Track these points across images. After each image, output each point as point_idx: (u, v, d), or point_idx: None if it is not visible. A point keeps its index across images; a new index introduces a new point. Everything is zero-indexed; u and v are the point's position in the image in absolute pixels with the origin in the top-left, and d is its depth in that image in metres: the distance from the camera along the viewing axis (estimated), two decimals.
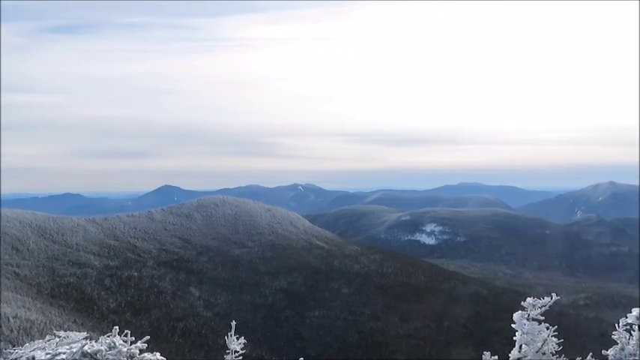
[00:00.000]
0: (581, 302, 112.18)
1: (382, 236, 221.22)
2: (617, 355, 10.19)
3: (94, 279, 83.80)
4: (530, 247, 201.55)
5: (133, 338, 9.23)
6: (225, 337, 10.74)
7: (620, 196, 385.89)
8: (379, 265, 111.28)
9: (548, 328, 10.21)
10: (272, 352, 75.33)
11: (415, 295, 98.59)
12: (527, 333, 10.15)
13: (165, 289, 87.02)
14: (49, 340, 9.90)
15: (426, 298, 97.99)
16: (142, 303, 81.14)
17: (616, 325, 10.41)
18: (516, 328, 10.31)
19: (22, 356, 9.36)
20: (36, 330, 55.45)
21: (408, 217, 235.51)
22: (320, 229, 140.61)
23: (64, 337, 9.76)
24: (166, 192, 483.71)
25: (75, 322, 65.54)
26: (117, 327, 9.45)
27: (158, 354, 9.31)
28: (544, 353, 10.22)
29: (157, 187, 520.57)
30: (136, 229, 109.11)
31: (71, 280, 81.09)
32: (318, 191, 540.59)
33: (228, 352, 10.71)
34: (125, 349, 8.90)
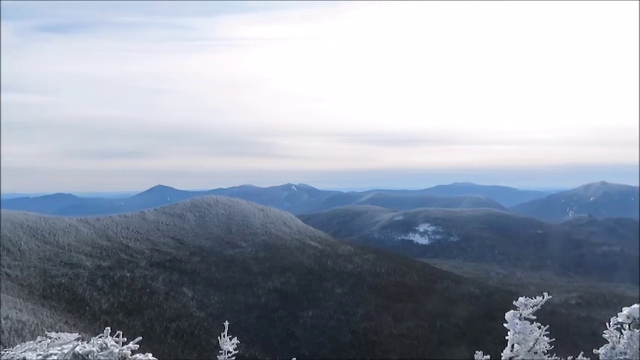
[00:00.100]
0: (573, 301, 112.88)
1: (375, 236, 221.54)
2: (608, 354, 10.25)
3: (86, 280, 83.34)
4: (523, 247, 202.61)
5: (125, 339, 9.19)
6: (218, 338, 10.71)
7: (612, 196, 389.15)
8: (372, 265, 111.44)
9: (540, 328, 10.26)
10: (265, 353, 75.24)
11: (408, 295, 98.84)
12: (519, 332, 10.19)
13: (158, 290, 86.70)
14: (40, 342, 9.83)
15: (420, 297, 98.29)
16: (135, 304, 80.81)
17: (607, 324, 10.47)
18: (508, 328, 10.35)
19: (13, 358, 9.29)
20: (27, 331, 55.10)
21: (401, 217, 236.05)
22: (313, 229, 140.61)
23: (56, 339, 9.70)
24: (159, 192, 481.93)
25: (67, 323, 65.19)
26: (109, 328, 9.40)
27: (150, 355, 9.26)
28: (536, 352, 10.27)
29: (149, 187, 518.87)
30: (128, 229, 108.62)
31: (63, 281, 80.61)
32: (311, 191, 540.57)
33: (221, 353, 10.67)
34: (117, 350, 8.85)
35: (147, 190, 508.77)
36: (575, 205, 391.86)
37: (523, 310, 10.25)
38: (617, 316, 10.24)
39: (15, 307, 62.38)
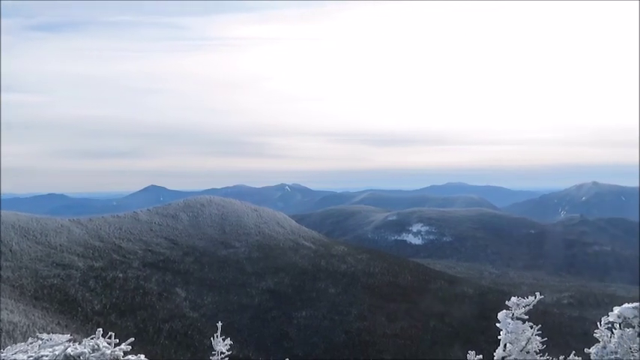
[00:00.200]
0: (565, 301, 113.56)
1: (369, 236, 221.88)
2: (599, 353, 10.32)
3: (78, 280, 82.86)
4: (516, 247, 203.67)
5: (118, 340, 9.14)
6: (212, 338, 10.67)
7: (603, 196, 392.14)
8: (366, 265, 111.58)
9: (532, 327, 10.31)
10: (259, 353, 75.14)
11: (402, 295, 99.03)
12: (511, 332, 10.24)
13: (151, 291, 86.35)
14: (31, 343, 9.76)
15: (413, 297, 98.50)
16: (128, 304, 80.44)
17: (598, 323, 10.55)
18: (501, 327, 10.40)
19: None
20: (19, 332, 54.73)
21: (394, 217, 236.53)
22: (307, 229, 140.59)
23: (47, 340, 9.63)
24: (152, 192, 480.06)
25: (59, 324, 64.81)
26: (100, 329, 9.35)
27: (142, 356, 9.23)
28: (528, 352, 10.33)
29: (142, 188, 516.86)
30: (121, 229, 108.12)
31: (55, 282, 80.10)
32: (305, 191, 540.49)
33: (214, 354, 10.64)
34: (109, 352, 8.81)
35: (140, 191, 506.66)
36: (567, 205, 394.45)
37: (515, 309, 10.30)
38: (608, 316, 10.32)
39: (6, 309, 61.92)
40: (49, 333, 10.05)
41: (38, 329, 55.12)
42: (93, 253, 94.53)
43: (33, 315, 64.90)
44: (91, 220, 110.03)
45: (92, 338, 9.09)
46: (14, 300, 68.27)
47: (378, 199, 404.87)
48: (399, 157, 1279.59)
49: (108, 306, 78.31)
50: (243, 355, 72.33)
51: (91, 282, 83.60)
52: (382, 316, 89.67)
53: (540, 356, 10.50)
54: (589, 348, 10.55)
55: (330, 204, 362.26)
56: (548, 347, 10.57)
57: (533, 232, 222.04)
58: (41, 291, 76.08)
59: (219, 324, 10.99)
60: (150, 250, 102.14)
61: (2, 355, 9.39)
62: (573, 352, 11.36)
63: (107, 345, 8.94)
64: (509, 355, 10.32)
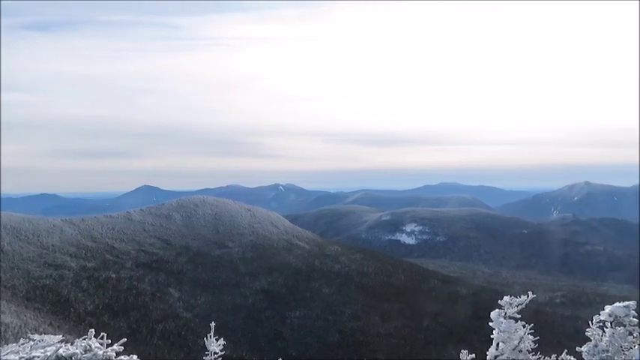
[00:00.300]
0: (558, 300, 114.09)
1: (363, 236, 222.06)
2: (591, 352, 10.40)
3: (70, 281, 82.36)
4: (508, 247, 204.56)
5: (110, 341, 9.10)
6: (205, 339, 10.65)
7: (595, 195, 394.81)
8: (360, 264, 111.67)
9: (524, 326, 10.37)
10: (253, 353, 75.01)
11: (395, 295, 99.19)
12: (504, 331, 10.29)
13: (144, 291, 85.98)
14: (23, 344, 9.70)
15: (406, 297, 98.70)
16: (121, 305, 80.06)
17: (590, 322, 10.61)
18: (494, 326, 10.45)
19: None
20: (10, 334, 54.32)
21: (388, 217, 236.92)
22: (301, 229, 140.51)
23: (39, 341, 9.57)
24: (145, 192, 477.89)
25: (51, 324, 64.41)
26: (92, 329, 9.30)
27: (135, 356, 9.20)
28: (520, 351, 10.38)
29: (135, 188, 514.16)
30: (114, 229, 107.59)
31: (47, 282, 79.57)
32: (298, 191, 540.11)
33: (208, 354, 10.62)
34: (101, 352, 8.77)
35: (133, 191, 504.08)
36: (559, 205, 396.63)
37: (508, 309, 10.35)
38: (600, 315, 10.39)
39: None
40: (41, 334, 9.99)
41: (30, 330, 54.75)
42: (85, 254, 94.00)
43: (25, 316, 64.46)
44: (83, 220, 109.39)
45: (84, 339, 9.05)
46: (6, 301, 67.74)
47: (372, 199, 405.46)
48: (393, 157, 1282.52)
49: (101, 306, 77.90)
50: (237, 356, 72.19)
51: (83, 282, 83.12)
52: (376, 316, 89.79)
53: (533, 355, 10.55)
54: (581, 347, 10.62)
55: (324, 204, 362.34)
56: (541, 346, 10.63)
57: (525, 231, 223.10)
58: (33, 292, 75.56)
59: (213, 324, 10.97)
60: (143, 251, 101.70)
61: None
62: (565, 350, 11.43)
63: (99, 346, 8.90)
64: (502, 354, 10.37)
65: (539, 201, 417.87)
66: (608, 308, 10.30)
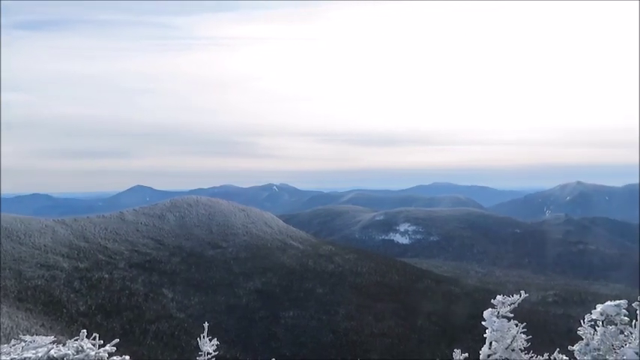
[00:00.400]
0: (550, 299, 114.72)
1: (356, 236, 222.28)
2: (583, 350, 10.45)
3: (62, 281, 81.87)
4: (501, 246, 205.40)
5: (102, 342, 9.06)
6: (198, 339, 10.61)
7: (587, 195, 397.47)
8: (353, 264, 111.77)
9: (517, 325, 10.40)
10: (246, 353, 74.88)
11: (389, 295, 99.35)
12: (497, 330, 10.32)
13: (137, 291, 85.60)
14: (14, 345, 9.62)
15: (400, 297, 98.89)
16: (113, 305, 79.66)
17: (581, 321, 10.67)
18: (487, 326, 10.48)
19: None
20: (2, 335, 53.91)
21: (382, 217, 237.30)
22: (294, 229, 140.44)
23: (31, 342, 9.50)
24: (139, 192, 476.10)
25: (43, 325, 64.00)
26: (85, 330, 9.25)
27: (127, 357, 9.15)
28: (513, 350, 10.42)
29: (128, 187, 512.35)
30: (106, 230, 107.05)
31: (39, 283, 79.06)
32: (292, 191, 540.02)
33: (201, 354, 10.58)
34: (93, 353, 8.73)
35: (126, 191, 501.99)
36: (552, 204, 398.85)
37: (501, 308, 10.38)
38: (592, 314, 10.45)
39: None
40: (32, 335, 9.92)
41: (22, 331, 54.40)
42: (78, 254, 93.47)
43: (16, 317, 64.00)
44: (76, 220, 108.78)
45: (76, 340, 9.00)
46: None
47: (366, 198, 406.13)
48: (387, 157, 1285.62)
49: (93, 307, 77.48)
50: (231, 356, 72.01)
51: (76, 283, 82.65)
52: (370, 316, 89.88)
53: (525, 354, 10.60)
54: (573, 345, 10.68)
55: (318, 204, 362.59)
56: (533, 345, 10.68)
57: (518, 231, 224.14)
58: (25, 292, 75.03)
59: (206, 324, 10.93)
60: (136, 251, 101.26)
61: None
62: (557, 349, 11.48)
63: (91, 346, 8.85)
64: (495, 353, 10.40)
65: (532, 201, 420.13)
66: (599, 307, 10.36)
